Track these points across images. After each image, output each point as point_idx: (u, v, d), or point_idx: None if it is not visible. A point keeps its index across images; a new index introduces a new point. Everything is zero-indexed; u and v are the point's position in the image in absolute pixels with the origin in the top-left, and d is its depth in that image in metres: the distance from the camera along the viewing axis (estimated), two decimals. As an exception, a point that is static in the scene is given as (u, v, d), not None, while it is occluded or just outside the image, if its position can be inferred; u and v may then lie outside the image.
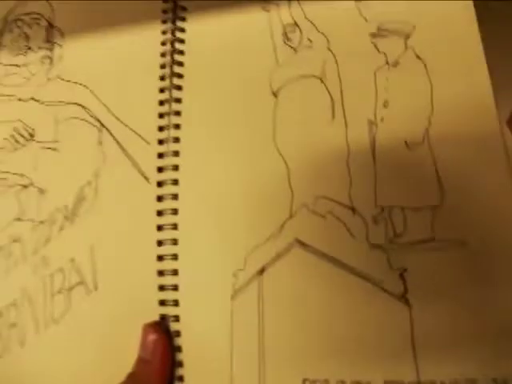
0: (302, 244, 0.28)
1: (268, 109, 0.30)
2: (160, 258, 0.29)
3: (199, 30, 0.32)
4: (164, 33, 0.32)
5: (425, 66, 0.30)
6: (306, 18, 0.32)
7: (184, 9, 0.33)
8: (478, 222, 0.27)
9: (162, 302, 0.28)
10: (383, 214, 0.28)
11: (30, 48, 0.32)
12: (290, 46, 0.31)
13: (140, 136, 0.30)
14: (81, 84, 0.31)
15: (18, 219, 0.29)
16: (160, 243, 0.29)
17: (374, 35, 0.31)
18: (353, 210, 0.28)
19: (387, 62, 0.30)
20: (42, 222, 0.29)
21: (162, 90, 0.31)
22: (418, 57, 0.30)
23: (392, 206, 0.28)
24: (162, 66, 0.31)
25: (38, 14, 0.33)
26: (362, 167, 0.28)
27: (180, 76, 0.31)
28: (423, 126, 0.29)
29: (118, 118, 0.30)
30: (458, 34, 0.30)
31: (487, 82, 0.29)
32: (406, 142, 0.29)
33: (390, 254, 0.27)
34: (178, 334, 0.28)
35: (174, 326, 0.28)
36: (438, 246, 0.27)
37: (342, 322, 0.27)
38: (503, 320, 0.26)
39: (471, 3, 0.30)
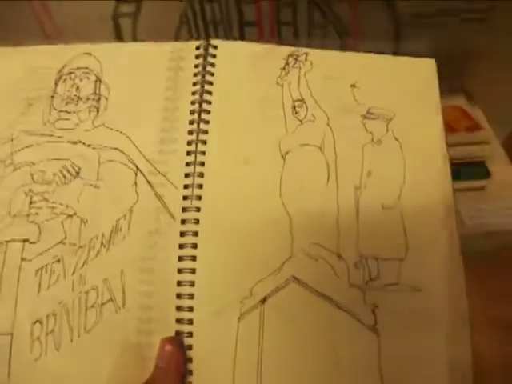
0: (298, 280, 0.35)
1: (277, 168, 0.37)
2: (179, 283, 0.35)
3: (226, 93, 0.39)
4: (194, 84, 0.39)
5: (400, 146, 0.38)
6: (311, 96, 0.39)
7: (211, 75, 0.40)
8: (431, 275, 0.36)
9: (179, 320, 0.34)
10: (362, 261, 0.36)
11: (80, 98, 0.38)
12: (297, 118, 0.39)
13: (169, 180, 0.36)
14: (121, 132, 0.37)
15: (62, 243, 0.35)
16: (180, 271, 0.35)
17: (364, 117, 0.39)
18: (339, 256, 0.35)
19: (372, 140, 0.38)
20: (81, 247, 0.35)
21: (189, 143, 0.37)
22: (395, 138, 0.38)
23: (369, 255, 0.36)
24: (191, 122, 0.38)
25: (89, 68, 0.39)
26: (348, 223, 0.36)
27: (205, 132, 0.38)
28: (396, 193, 0.37)
29: (151, 163, 0.36)
30: (425, 126, 0.39)
31: (445, 165, 0.38)
32: (382, 205, 0.37)
33: (366, 293, 0.35)
34: (190, 347, 0.34)
35: (187, 341, 0.34)
36: (400, 290, 0.35)
37: (325, 344, 0.34)
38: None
39: (439, 106, 0.39)
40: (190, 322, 0.34)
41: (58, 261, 0.34)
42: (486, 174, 0.46)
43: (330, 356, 0.34)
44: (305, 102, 0.39)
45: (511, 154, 0.46)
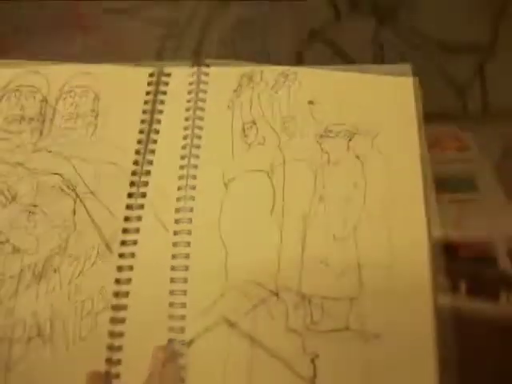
0: (229, 322, 0.31)
1: (217, 198, 0.34)
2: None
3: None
4: (144, 112, 0.38)
5: (362, 165, 0.33)
6: (263, 117, 0.36)
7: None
8: (393, 317, 0.29)
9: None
10: (304, 302, 0.30)
11: (23, 118, 0.39)
12: (245, 141, 0.35)
13: (108, 210, 0.35)
14: (64, 157, 0.37)
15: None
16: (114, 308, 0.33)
17: (320, 136, 0.34)
18: (277, 295, 0.31)
19: (329, 161, 0.34)
20: (11, 277, 0.34)
21: (134, 173, 0.36)
22: (357, 158, 0.33)
23: (313, 294, 0.30)
24: (135, 162, 0.37)
25: (35, 87, 0.39)
26: (290, 256, 0.31)
27: (150, 162, 0.36)
28: (352, 222, 0.32)
29: (92, 192, 0.36)
30: (398, 143, 0.33)
31: (418, 185, 0.32)
32: (333, 235, 0.32)
33: (305, 339, 0.30)
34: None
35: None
36: (351, 336, 0.29)
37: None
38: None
39: (414, 117, 0.34)
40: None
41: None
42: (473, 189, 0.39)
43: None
44: (256, 124, 0.36)
45: (503, 177, 0.39)
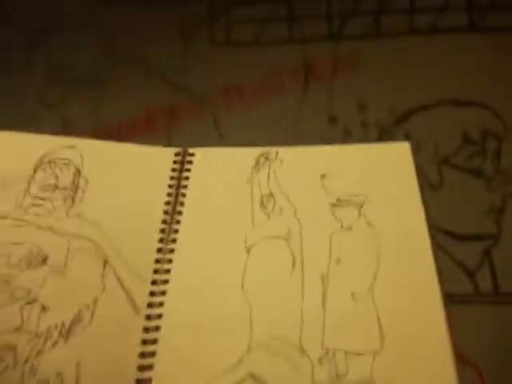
0: (256, 378, 0.32)
1: (241, 261, 0.37)
2: (138, 381, 0.33)
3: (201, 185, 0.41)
4: (170, 187, 0.41)
5: (374, 231, 0.36)
6: (280, 190, 0.40)
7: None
8: (411, 369, 0.31)
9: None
10: (328, 356, 0.32)
11: (57, 187, 0.41)
12: (264, 212, 0.39)
13: (137, 275, 0.37)
14: (95, 224, 0.39)
15: (17, 330, 0.35)
16: (139, 368, 0.33)
17: (333, 205, 0.38)
18: (301, 350, 0.32)
19: (342, 227, 0.37)
20: (38, 335, 0.35)
21: (160, 240, 0.38)
22: (368, 223, 0.37)
23: (337, 349, 0.32)
24: (164, 222, 0.39)
25: (69, 159, 0.42)
26: (313, 314, 0.33)
27: (176, 231, 0.39)
28: (369, 281, 0.34)
29: (120, 257, 0.38)
30: (403, 210, 0.37)
31: (427, 247, 0.35)
32: (352, 294, 0.34)
33: (332, 393, 0.30)
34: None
35: None
36: (375, 388, 0.30)
37: None
38: None
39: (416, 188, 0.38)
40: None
41: (10, 349, 0.34)
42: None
43: None
44: (273, 196, 0.40)
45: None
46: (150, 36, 0.68)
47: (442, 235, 0.51)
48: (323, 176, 0.40)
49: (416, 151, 0.56)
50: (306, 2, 0.66)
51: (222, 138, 0.60)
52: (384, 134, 0.58)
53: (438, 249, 0.49)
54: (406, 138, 0.58)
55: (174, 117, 0.63)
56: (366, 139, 0.57)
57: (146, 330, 0.35)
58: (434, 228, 0.50)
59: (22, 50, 0.69)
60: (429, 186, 0.54)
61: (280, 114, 0.61)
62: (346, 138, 0.58)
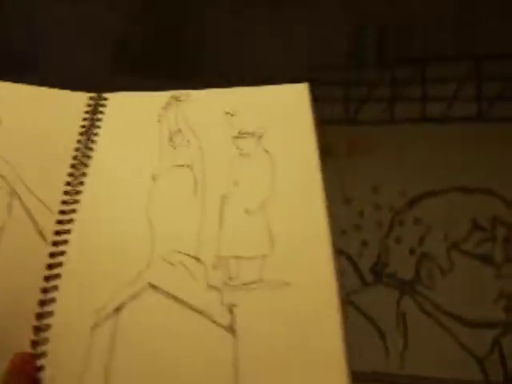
0: (154, 287, 0.33)
1: (147, 189, 0.38)
2: (41, 302, 0.34)
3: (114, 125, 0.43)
4: (83, 127, 0.43)
5: (270, 158, 0.39)
6: (187, 125, 0.42)
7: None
8: (299, 269, 0.33)
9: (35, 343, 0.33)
10: (221, 262, 0.34)
11: None
12: (172, 146, 0.41)
13: (45, 205, 0.38)
14: (3, 159, 0.40)
15: None
16: (44, 290, 0.35)
17: (235, 137, 0.41)
18: (197, 259, 0.34)
19: (241, 154, 0.39)
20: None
21: (70, 174, 0.40)
22: (265, 151, 0.39)
23: (230, 255, 0.34)
24: (74, 158, 0.41)
25: None
26: (210, 228, 0.36)
27: (86, 166, 0.40)
28: (262, 197, 0.37)
29: (28, 189, 0.39)
30: (298, 143, 0.40)
31: (317, 175, 0.37)
32: (246, 209, 0.36)
33: (224, 293, 0.33)
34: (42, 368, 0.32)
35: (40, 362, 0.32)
36: (263, 286, 0.32)
37: (180, 347, 0.31)
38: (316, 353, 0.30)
39: (312, 125, 0.41)
40: (47, 341, 0.33)
41: None
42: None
43: (185, 359, 0.31)
44: (181, 131, 0.42)
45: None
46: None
47: (452, 320, 0.52)
48: (227, 113, 0.42)
49: (426, 235, 0.59)
50: (325, 86, 0.69)
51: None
52: (396, 217, 0.60)
53: (446, 334, 0.50)
54: (417, 221, 0.60)
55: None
56: (379, 221, 0.59)
57: (52, 255, 0.36)
58: (444, 313, 0.51)
59: None
60: (439, 271, 0.56)
61: None
62: (360, 219, 0.60)
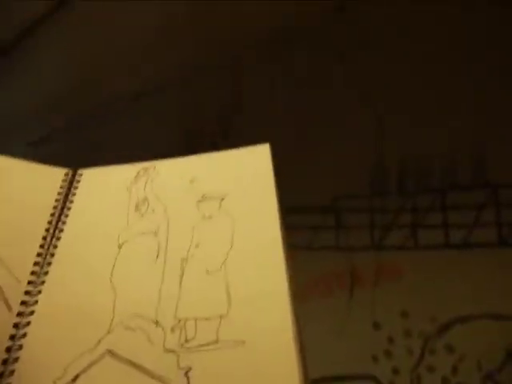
0: (112, 354, 0.33)
1: (112, 257, 0.39)
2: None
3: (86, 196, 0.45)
4: (57, 200, 0.44)
5: (231, 219, 0.40)
6: (154, 194, 0.44)
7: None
8: (256, 327, 0.33)
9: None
10: (179, 325, 0.34)
11: None
12: (139, 213, 0.42)
13: (14, 275, 0.39)
14: None
15: None
16: (4, 362, 0.35)
17: (198, 201, 0.42)
18: (156, 323, 0.34)
19: (204, 217, 0.40)
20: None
21: (41, 246, 0.41)
22: (226, 213, 0.41)
23: (187, 317, 0.34)
24: (47, 230, 0.42)
25: None
26: (169, 291, 0.36)
27: (58, 239, 0.42)
28: (222, 259, 0.37)
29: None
30: (259, 204, 0.41)
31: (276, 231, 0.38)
32: (206, 270, 0.37)
33: (180, 356, 0.32)
34: None
35: None
36: (220, 346, 0.32)
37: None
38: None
39: (273, 185, 0.42)
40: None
41: None
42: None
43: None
44: (147, 200, 0.43)
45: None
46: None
47: None
48: (192, 180, 0.44)
49: (459, 364, 0.59)
50: (351, 214, 0.73)
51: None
52: (427, 344, 0.61)
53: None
54: (449, 349, 0.61)
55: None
56: (409, 348, 0.61)
57: (16, 325, 0.37)
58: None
59: None
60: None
61: (326, 315, 0.67)
62: (390, 345, 0.62)
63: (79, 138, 1.00)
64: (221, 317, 0.34)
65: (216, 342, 0.33)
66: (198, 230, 0.40)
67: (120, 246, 0.40)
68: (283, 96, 0.84)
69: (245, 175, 0.43)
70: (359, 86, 0.78)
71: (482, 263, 0.63)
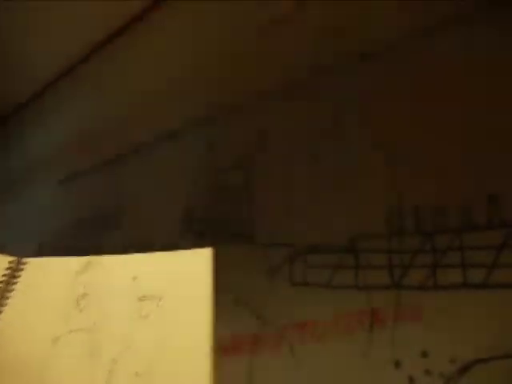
0: None
1: (45, 352, 0.41)
2: None
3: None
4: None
5: (165, 319, 0.42)
6: (96, 290, 0.45)
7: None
8: None
9: None
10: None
11: None
12: (77, 308, 0.44)
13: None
14: None
15: None
16: None
17: (138, 300, 0.44)
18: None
19: (141, 316, 0.42)
20: None
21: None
22: (162, 315, 0.43)
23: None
24: None
25: None
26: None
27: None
28: (152, 360, 0.39)
29: None
30: (193, 305, 0.43)
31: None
32: (136, 372, 0.38)
33: None
34: None
35: None
36: None
37: None
38: None
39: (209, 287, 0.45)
40: None
41: None
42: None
43: None
44: (87, 296, 0.45)
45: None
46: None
47: None
48: (134, 278, 0.46)
49: None
50: (370, 253, 0.75)
51: (297, 366, 0.72)
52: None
53: None
54: None
55: (256, 344, 0.76)
56: None
57: None
58: None
59: None
60: None
61: (347, 353, 0.69)
62: None
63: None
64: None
65: None
66: (132, 330, 0.42)
67: (55, 341, 0.41)
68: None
69: (184, 278, 0.46)
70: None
71: (502, 304, 0.64)
